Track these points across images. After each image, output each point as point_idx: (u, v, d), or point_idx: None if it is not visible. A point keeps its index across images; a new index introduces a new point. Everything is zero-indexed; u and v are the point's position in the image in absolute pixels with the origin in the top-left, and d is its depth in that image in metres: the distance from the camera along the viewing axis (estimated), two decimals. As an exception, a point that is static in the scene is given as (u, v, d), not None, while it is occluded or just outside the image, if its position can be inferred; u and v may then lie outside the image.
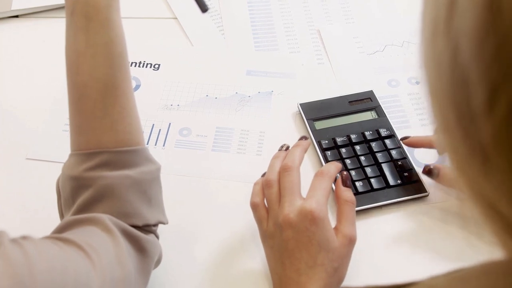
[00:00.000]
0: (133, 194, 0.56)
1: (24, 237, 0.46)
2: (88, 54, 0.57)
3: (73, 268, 0.46)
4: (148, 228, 0.58)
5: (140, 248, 0.56)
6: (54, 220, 0.64)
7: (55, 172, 0.66)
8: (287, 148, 0.70)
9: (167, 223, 0.61)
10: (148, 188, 0.58)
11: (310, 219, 0.59)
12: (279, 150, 0.70)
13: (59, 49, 0.95)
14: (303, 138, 0.71)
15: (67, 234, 0.52)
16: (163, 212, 0.61)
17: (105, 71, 0.57)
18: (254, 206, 0.65)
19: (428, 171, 0.72)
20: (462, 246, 0.69)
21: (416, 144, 0.77)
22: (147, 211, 0.58)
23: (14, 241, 0.45)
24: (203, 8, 0.66)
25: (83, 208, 0.56)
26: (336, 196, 0.65)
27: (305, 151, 0.68)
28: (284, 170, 0.64)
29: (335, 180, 0.67)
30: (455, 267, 0.67)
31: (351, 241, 0.61)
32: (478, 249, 0.68)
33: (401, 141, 0.78)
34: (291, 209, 0.61)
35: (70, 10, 0.57)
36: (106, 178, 0.55)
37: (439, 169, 0.71)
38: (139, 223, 0.57)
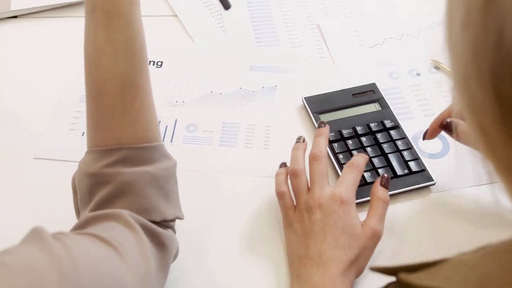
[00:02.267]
0: (152, 190, 0.57)
1: (61, 233, 0.47)
2: (108, 51, 0.57)
3: (110, 265, 0.47)
4: (166, 224, 0.59)
5: (159, 243, 0.57)
6: (66, 218, 0.64)
7: (64, 170, 0.66)
8: (304, 139, 0.73)
9: (183, 218, 0.62)
10: (166, 183, 0.59)
11: (338, 203, 0.63)
12: (296, 142, 0.73)
13: (59, 49, 0.97)
14: (322, 124, 0.73)
15: (90, 230, 0.52)
16: (179, 207, 0.62)
17: (125, 67, 0.57)
18: (281, 195, 0.68)
19: (445, 125, 0.70)
20: (469, 233, 0.71)
21: (435, 130, 0.73)
22: (165, 207, 0.58)
23: (54, 237, 0.45)
24: (226, 5, 0.67)
25: (102, 205, 0.56)
26: (371, 192, 0.67)
27: (328, 138, 0.72)
28: (313, 159, 0.68)
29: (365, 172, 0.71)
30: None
31: (374, 234, 0.63)
32: (484, 236, 0.70)
33: (424, 140, 0.76)
34: (321, 194, 0.65)
35: (90, 7, 0.57)
36: (125, 174, 0.56)
37: (458, 124, 0.67)
38: (158, 218, 0.57)
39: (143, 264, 0.52)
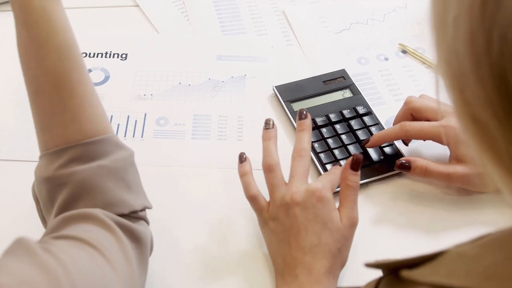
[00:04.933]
0: (111, 182, 0.55)
1: (46, 242, 0.45)
2: (33, 47, 0.55)
3: (103, 274, 0.45)
4: (135, 215, 0.57)
5: (135, 239, 0.55)
6: (33, 222, 0.62)
7: (30, 171, 0.63)
8: (273, 124, 0.69)
9: (151, 208, 0.60)
10: (125, 174, 0.57)
11: (316, 196, 0.61)
12: (266, 128, 0.69)
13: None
14: (303, 114, 0.69)
15: (68, 231, 0.50)
16: (145, 196, 0.60)
17: (53, 63, 0.55)
18: (252, 198, 0.65)
19: (400, 165, 0.70)
20: (447, 217, 0.71)
21: (378, 142, 0.75)
22: (130, 198, 0.56)
23: (42, 248, 0.43)
24: None
25: (64, 208, 0.54)
26: (341, 177, 0.65)
27: (311, 131, 0.69)
28: (298, 156, 0.66)
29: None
30: (443, 235, 0.69)
31: (352, 224, 0.63)
32: (461, 220, 0.71)
33: (363, 146, 0.76)
34: (298, 189, 0.63)
35: (11, 1, 0.55)
36: (79, 172, 0.54)
37: (411, 161, 0.70)
38: (125, 210, 0.55)
39: (127, 265, 0.50)
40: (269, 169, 0.65)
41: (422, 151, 0.77)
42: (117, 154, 0.57)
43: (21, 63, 0.57)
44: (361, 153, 0.75)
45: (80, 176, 0.53)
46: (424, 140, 0.74)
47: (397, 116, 0.77)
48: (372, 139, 0.75)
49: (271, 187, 0.65)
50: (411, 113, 0.75)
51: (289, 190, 0.63)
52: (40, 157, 0.57)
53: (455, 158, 0.70)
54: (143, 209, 0.58)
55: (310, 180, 0.66)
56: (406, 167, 0.70)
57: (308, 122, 0.69)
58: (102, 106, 0.58)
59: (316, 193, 0.62)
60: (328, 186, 0.63)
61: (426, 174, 0.70)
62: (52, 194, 0.55)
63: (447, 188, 0.73)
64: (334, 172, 0.66)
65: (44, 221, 0.58)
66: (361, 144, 0.76)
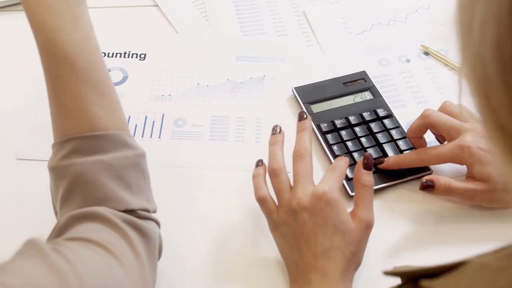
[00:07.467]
0: (108, 178, 0.54)
1: (57, 243, 0.44)
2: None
3: (113, 276, 0.45)
4: (143, 214, 0.56)
5: (142, 234, 0.54)
6: (51, 222, 0.61)
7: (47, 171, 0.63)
8: (280, 129, 0.68)
9: (152, 210, 0.58)
10: (126, 173, 0.56)
11: (324, 200, 0.59)
12: (272, 134, 0.68)
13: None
14: (303, 115, 0.68)
15: (76, 233, 0.50)
16: (148, 199, 0.58)
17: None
18: (261, 200, 0.64)
19: (424, 186, 0.68)
20: (468, 223, 0.70)
21: (393, 167, 0.73)
22: (126, 196, 0.55)
23: (53, 249, 0.43)
24: None
25: (65, 199, 0.55)
26: (354, 178, 0.64)
27: (311, 131, 0.67)
28: (298, 157, 0.64)
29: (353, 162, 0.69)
30: (461, 242, 0.68)
31: (368, 226, 0.61)
32: (482, 226, 0.69)
33: (377, 166, 0.73)
34: (304, 193, 0.61)
35: None
36: (77, 164, 0.54)
37: (433, 180, 0.67)
38: (120, 207, 0.54)
39: (138, 264, 0.50)
40: (274, 173, 0.64)
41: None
42: (120, 152, 0.56)
43: None
44: (380, 157, 0.74)
45: (77, 168, 0.54)
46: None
47: (411, 127, 0.74)
48: (387, 161, 0.73)
49: (278, 192, 0.64)
50: (427, 128, 0.73)
51: (295, 196, 0.61)
52: (51, 147, 0.58)
53: (472, 176, 0.68)
54: (142, 210, 0.57)
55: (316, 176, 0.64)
56: (430, 187, 0.68)
57: (308, 123, 0.68)
58: (114, 103, 0.58)
59: (323, 197, 0.59)
60: (335, 186, 0.61)
61: (449, 192, 0.68)
62: (57, 185, 0.56)
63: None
64: (339, 165, 0.65)
65: (55, 212, 0.59)
66: (374, 162, 0.73)
